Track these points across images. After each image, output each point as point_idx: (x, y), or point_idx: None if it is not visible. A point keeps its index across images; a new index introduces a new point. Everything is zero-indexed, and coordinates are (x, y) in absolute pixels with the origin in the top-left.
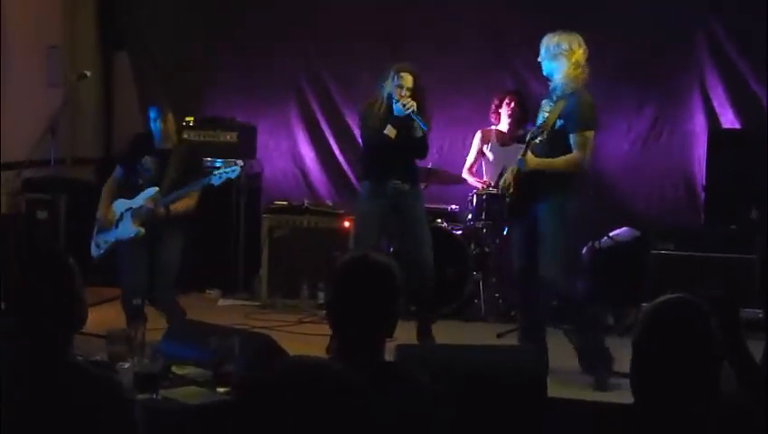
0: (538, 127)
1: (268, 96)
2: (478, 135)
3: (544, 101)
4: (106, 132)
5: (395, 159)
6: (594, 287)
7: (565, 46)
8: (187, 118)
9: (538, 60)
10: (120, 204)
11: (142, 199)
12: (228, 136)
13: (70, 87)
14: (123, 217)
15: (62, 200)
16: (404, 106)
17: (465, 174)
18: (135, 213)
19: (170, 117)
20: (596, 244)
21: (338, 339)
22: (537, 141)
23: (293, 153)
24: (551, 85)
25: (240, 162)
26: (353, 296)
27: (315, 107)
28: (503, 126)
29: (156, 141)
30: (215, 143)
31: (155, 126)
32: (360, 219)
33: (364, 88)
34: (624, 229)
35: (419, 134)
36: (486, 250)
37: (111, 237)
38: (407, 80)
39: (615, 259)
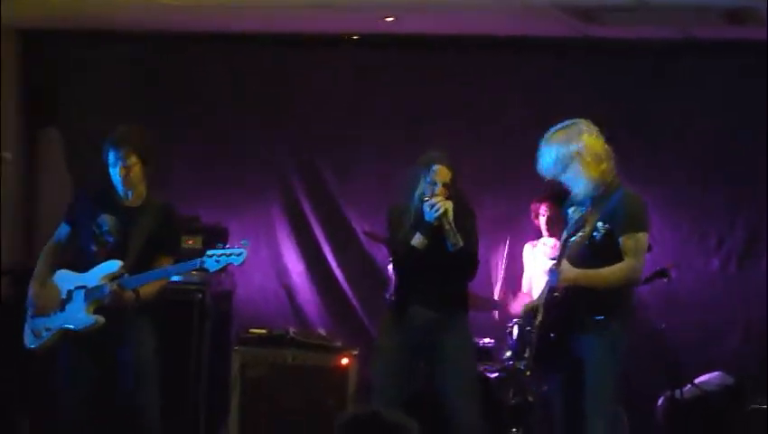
0: (576, 223)
1: (245, 189)
2: (527, 249)
3: (571, 210)
4: (27, 233)
5: (425, 279)
6: None
7: (574, 146)
8: None
9: (547, 177)
10: (66, 278)
11: (100, 276)
12: (190, 242)
13: None
14: (72, 297)
15: None
16: (431, 207)
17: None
18: (91, 296)
19: (135, 160)
20: (676, 394)
21: None
22: (573, 245)
23: (275, 264)
24: (576, 195)
25: (246, 242)
26: None
27: (307, 205)
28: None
29: (119, 194)
30: None
31: (115, 172)
32: (378, 360)
33: (373, 181)
34: (713, 374)
35: (454, 246)
36: (529, 399)
37: (55, 323)
38: (443, 173)
39: (701, 414)
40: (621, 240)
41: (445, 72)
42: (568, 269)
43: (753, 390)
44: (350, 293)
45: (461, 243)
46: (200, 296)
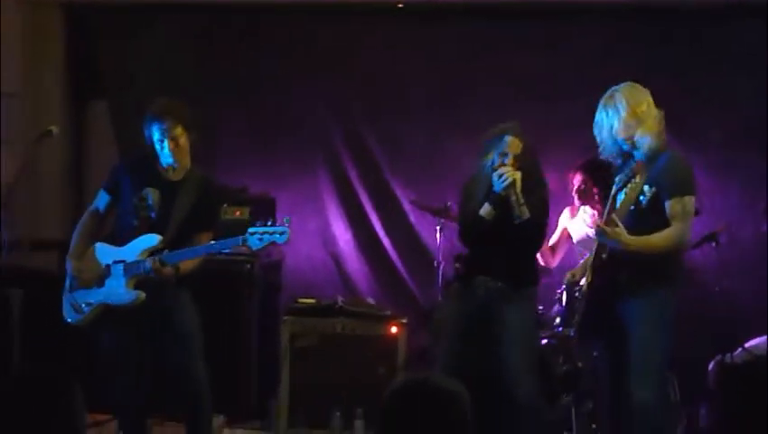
0: (627, 175)
1: (292, 159)
2: (566, 212)
3: (618, 177)
4: (75, 206)
5: (490, 249)
6: (725, 417)
7: (643, 99)
8: None
9: (610, 140)
10: (105, 252)
11: (138, 250)
12: (237, 213)
13: (31, 147)
14: (111, 272)
15: (16, 296)
16: (499, 177)
17: (545, 252)
18: (130, 271)
19: (181, 132)
20: (727, 358)
21: None
22: (621, 205)
23: (323, 234)
24: (642, 145)
25: (289, 220)
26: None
27: (354, 174)
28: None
29: (162, 166)
30: (221, 221)
31: (164, 146)
32: (442, 326)
33: (419, 149)
34: (764, 338)
35: (519, 218)
36: (579, 364)
37: (95, 298)
38: (514, 144)
39: (753, 378)
40: (668, 203)
41: (489, 40)
42: (620, 233)
43: None
44: (397, 261)
45: (527, 215)
46: (248, 266)
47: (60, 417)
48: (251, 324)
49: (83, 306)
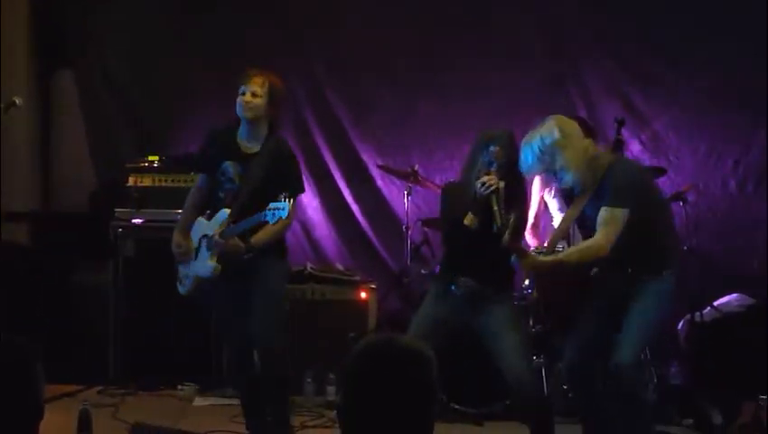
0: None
1: None
2: (536, 180)
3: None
4: (43, 177)
5: (472, 255)
6: (695, 374)
7: (555, 135)
8: (151, 158)
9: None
10: (199, 226)
11: (215, 225)
12: None
13: None
14: (201, 246)
15: None
16: (482, 185)
17: (527, 234)
18: (209, 245)
19: (262, 91)
20: (696, 316)
21: None
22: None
23: None
24: (566, 182)
25: (287, 194)
26: (373, 394)
27: (321, 141)
28: None
29: (242, 138)
30: (187, 189)
31: (242, 98)
32: (413, 322)
33: (386, 117)
34: (733, 296)
35: (499, 227)
36: (548, 327)
37: (191, 271)
38: (499, 154)
39: (722, 335)
40: (601, 210)
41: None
42: (533, 260)
43: None
44: (366, 226)
45: (505, 226)
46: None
47: (18, 386)
48: None
49: (184, 278)
